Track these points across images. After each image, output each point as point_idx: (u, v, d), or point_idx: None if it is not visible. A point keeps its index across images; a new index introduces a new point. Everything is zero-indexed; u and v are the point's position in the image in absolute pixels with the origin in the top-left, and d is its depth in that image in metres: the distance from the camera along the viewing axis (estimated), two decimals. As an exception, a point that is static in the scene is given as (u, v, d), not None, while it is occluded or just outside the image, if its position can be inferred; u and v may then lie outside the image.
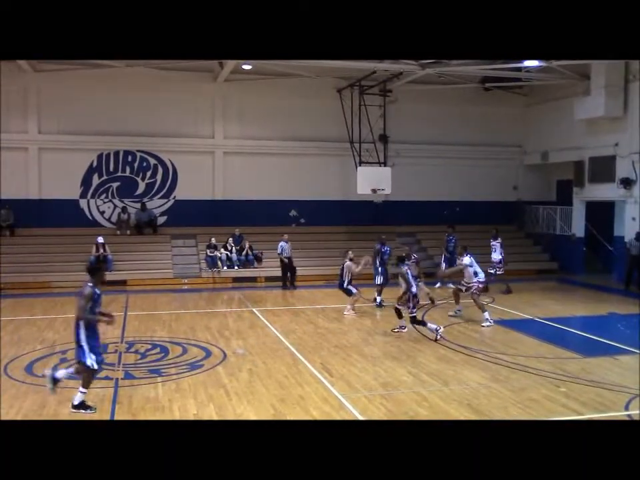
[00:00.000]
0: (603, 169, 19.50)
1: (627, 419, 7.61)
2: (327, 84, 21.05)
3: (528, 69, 19.23)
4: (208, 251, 19.13)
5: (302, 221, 21.28)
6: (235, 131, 21.29)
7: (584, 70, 19.24)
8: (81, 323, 7.46)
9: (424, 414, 7.66)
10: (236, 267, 19.19)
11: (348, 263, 14.27)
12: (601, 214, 20.30)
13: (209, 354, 10.46)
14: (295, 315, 14.27)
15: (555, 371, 9.59)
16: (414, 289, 11.79)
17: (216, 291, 17.90)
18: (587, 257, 21.01)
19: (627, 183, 18.49)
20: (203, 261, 19.21)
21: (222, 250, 19.19)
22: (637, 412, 7.77)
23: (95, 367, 7.51)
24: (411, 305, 11.68)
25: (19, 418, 7.29)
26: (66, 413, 7.51)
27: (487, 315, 12.95)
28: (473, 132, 22.62)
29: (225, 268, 19.08)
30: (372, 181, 20.31)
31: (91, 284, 7.62)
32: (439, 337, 11.40)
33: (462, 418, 7.51)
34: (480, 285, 13.25)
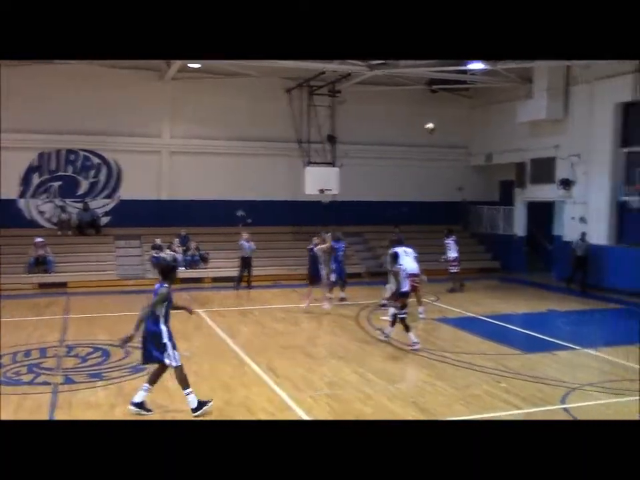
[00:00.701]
0: (544, 170, 20.06)
1: (562, 412, 7.82)
2: (275, 84, 20.99)
3: (473, 72, 19.59)
4: (153, 251, 18.81)
5: (249, 221, 21.14)
6: (182, 130, 21.00)
7: (527, 73, 19.72)
8: (162, 321, 7.40)
9: (369, 412, 7.71)
10: (182, 268, 18.92)
11: (318, 247, 14.35)
12: (542, 214, 20.85)
13: (152, 356, 10.26)
14: (242, 315, 14.18)
15: (497, 367, 9.80)
16: (404, 288, 11.20)
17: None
18: (528, 256, 21.55)
19: (566, 183, 19.05)
20: (148, 262, 18.88)
21: (167, 250, 18.90)
22: (573, 405, 8.01)
23: (180, 363, 7.51)
24: (399, 304, 11.05)
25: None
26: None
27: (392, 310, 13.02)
28: (421, 133, 22.73)
29: (172, 269, 18.77)
30: (320, 181, 20.37)
31: (166, 284, 7.52)
32: (413, 348, 10.85)
33: (407, 416, 7.58)
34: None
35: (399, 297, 11.06)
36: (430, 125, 17.35)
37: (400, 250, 12.63)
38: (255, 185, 21.30)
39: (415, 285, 12.97)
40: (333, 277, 15.29)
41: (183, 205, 20.69)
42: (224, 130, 21.12)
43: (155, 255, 18.74)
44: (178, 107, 20.71)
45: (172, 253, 18.80)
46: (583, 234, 17.94)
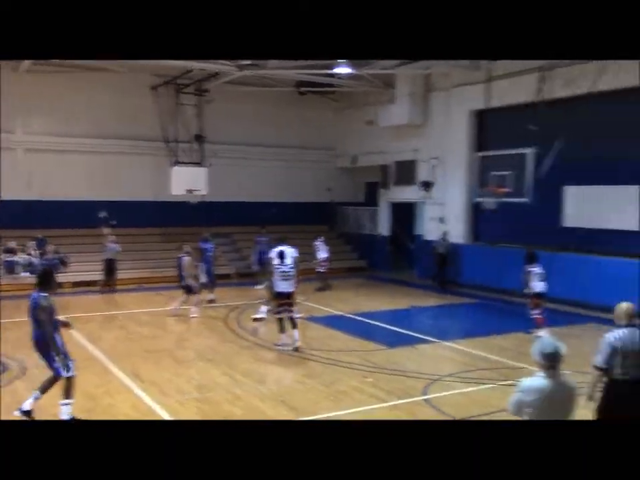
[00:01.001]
0: (406, 172, 20.95)
1: (424, 403, 8.20)
2: (141, 80, 20.25)
3: (339, 76, 20.03)
4: (5, 255, 17.52)
5: (113, 222, 20.30)
6: (39, 126, 19.68)
7: (390, 79, 20.48)
8: (56, 335, 7.02)
9: (239, 414, 7.66)
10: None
11: (186, 258, 13.86)
12: (404, 214, 21.76)
13: (4, 369, 9.55)
14: (105, 321, 13.59)
15: (364, 363, 10.10)
16: (280, 288, 10.83)
17: (15, 298, 16.38)
18: (392, 255, 22.42)
19: (426, 185, 20.01)
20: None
21: (22, 254, 17.68)
22: (434, 396, 8.43)
23: (73, 373, 7.20)
24: (275, 304, 10.92)
25: None
26: None
27: (263, 309, 13.05)
28: (290, 134, 23.11)
29: (28, 274, 17.58)
30: (188, 182, 19.97)
31: (44, 294, 6.97)
32: (283, 347, 10.81)
33: (278, 416, 7.60)
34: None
35: (275, 297, 11.05)
36: None
37: (281, 249, 12.73)
38: (119, 185, 20.47)
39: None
40: (203, 278, 15.04)
41: (39, 206, 19.40)
42: (85, 127, 20.09)
43: (8, 259, 17.46)
44: (34, 102, 19.36)
45: (27, 256, 17.62)
46: (444, 233, 18.95)
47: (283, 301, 10.88)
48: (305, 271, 16.97)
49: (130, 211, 20.42)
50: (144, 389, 8.56)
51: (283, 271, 10.84)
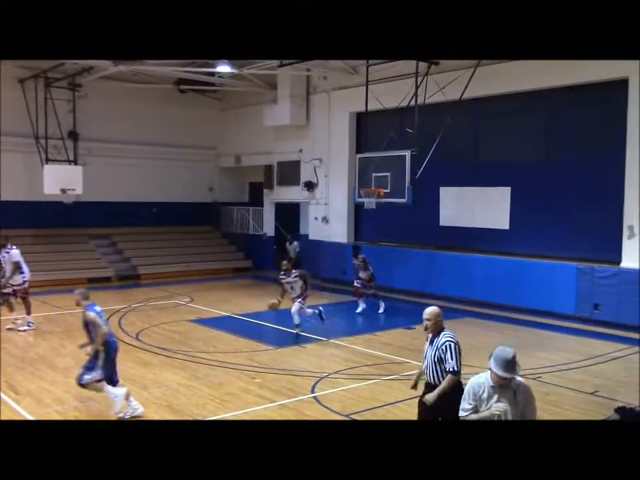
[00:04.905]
0: (290, 172, 21.12)
1: (313, 401, 8.33)
2: (5, 72, 18.96)
3: (221, 75, 19.85)
4: None
5: (-22, 223, 18.88)
6: None
7: (272, 79, 20.54)
8: None
9: (122, 421, 7.41)
10: None
11: None
12: (289, 214, 21.92)
13: None
14: (-29, 329, 12.61)
15: (251, 363, 10.09)
16: None
17: None
18: (277, 254, 22.48)
19: (309, 186, 20.28)
20: None
21: None
22: (322, 393, 8.57)
23: None
24: None
25: None
26: None
27: (29, 318, 12.59)
28: (170, 133, 22.54)
29: None
30: (61, 181, 18.96)
31: None
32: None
33: (161, 419, 7.43)
34: (22, 287, 12.74)
35: None
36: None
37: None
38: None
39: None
40: None
41: None
42: (-56, 121, 18.55)
43: None
44: None
45: None
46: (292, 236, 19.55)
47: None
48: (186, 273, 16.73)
49: (-3, 212, 19.09)
50: (18, 401, 8.06)
51: None
